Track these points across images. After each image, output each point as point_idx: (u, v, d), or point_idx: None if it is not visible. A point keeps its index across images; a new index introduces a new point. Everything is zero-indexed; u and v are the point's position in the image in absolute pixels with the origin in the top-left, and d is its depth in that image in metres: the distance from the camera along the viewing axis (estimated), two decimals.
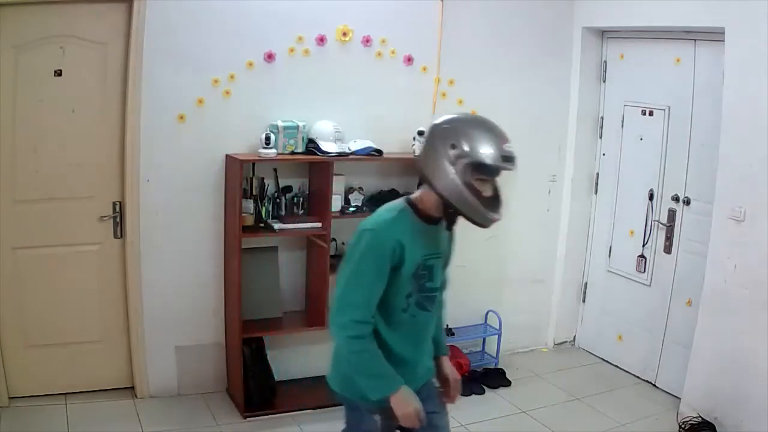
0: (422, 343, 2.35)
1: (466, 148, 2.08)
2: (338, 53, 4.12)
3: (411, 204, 2.25)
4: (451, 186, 2.11)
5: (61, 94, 3.64)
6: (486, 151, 2.08)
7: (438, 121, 2.21)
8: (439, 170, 2.12)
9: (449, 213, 2.19)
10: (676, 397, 4.22)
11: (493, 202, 2.17)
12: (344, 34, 4.10)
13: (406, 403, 2.18)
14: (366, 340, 2.16)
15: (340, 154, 3.91)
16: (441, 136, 2.15)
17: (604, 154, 4.90)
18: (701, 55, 4.11)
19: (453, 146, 2.10)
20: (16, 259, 3.71)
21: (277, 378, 4.08)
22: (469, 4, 4.42)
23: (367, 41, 4.17)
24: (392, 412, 2.19)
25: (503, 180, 2.24)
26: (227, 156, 3.89)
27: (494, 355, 4.70)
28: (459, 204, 2.13)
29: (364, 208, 4.14)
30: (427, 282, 2.27)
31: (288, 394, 4.08)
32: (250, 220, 3.85)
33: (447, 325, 4.56)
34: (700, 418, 3.87)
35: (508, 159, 2.11)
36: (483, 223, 2.17)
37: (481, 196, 2.12)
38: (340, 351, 2.30)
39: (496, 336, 4.68)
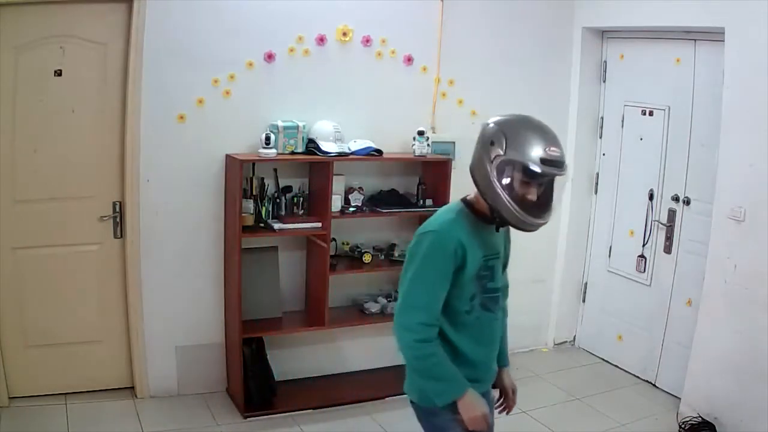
0: (490, 344, 2.30)
1: (505, 147, 2.03)
2: (338, 53, 4.12)
3: (467, 204, 2.21)
4: (489, 186, 2.07)
5: (61, 94, 3.64)
6: (527, 152, 2.01)
7: (488, 120, 2.15)
8: (480, 169, 2.09)
9: (494, 213, 2.13)
10: (676, 397, 4.22)
11: (536, 206, 2.09)
12: (344, 34, 4.10)
13: (473, 406, 2.13)
14: (432, 343, 2.11)
15: (340, 154, 3.91)
16: (485, 134, 2.11)
17: (604, 154, 4.90)
18: (701, 55, 4.11)
19: (492, 144, 2.06)
20: (16, 259, 3.71)
21: (277, 378, 4.08)
22: (469, 4, 4.42)
23: (367, 41, 4.17)
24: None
25: None
26: (227, 156, 3.89)
27: None
28: (495, 205, 2.08)
29: (364, 208, 4.14)
30: (489, 283, 2.23)
31: (288, 394, 4.07)
32: (250, 220, 3.85)
33: None
34: (700, 418, 3.87)
35: (551, 163, 2.02)
36: (519, 226, 2.11)
37: (519, 199, 2.05)
38: (404, 354, 2.19)
39: None
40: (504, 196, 2.05)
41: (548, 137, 2.06)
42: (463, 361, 2.18)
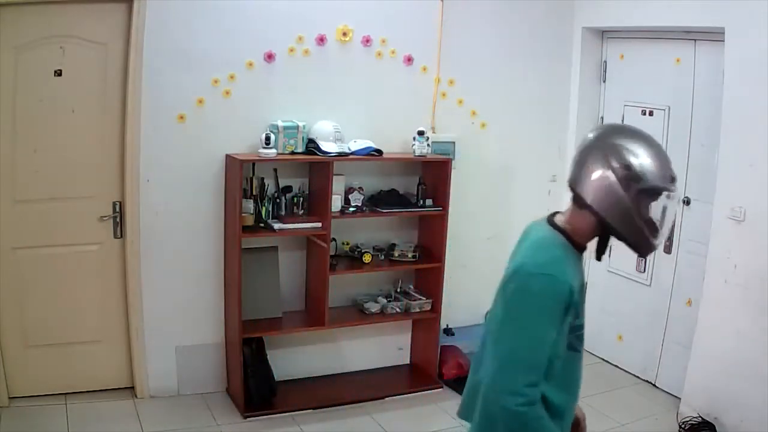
0: (577, 390, 2.04)
1: (639, 170, 1.80)
2: (338, 53, 4.12)
3: (563, 232, 1.93)
4: (621, 211, 1.83)
5: (61, 94, 3.64)
6: (659, 174, 1.81)
7: (596, 134, 1.90)
8: (604, 193, 1.83)
9: (603, 240, 1.93)
10: (676, 397, 4.22)
11: (655, 227, 1.90)
12: (344, 34, 4.10)
13: None
14: (537, 405, 1.80)
15: (340, 154, 3.91)
16: (605, 153, 1.84)
17: None
18: (701, 55, 4.11)
19: (626, 167, 1.80)
20: (16, 259, 3.71)
21: (277, 378, 4.08)
22: (469, 4, 4.42)
23: (367, 41, 4.17)
24: None
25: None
26: (227, 156, 3.89)
27: None
28: (628, 231, 1.88)
29: (364, 208, 4.14)
30: (577, 320, 1.95)
31: (288, 394, 4.07)
32: (250, 220, 3.85)
33: (447, 325, 4.57)
34: (700, 418, 3.87)
35: (675, 180, 1.85)
36: (648, 251, 1.95)
37: (649, 223, 1.87)
38: (505, 421, 1.82)
39: None
40: (640, 221, 1.85)
41: (662, 152, 1.87)
42: (554, 413, 1.90)
